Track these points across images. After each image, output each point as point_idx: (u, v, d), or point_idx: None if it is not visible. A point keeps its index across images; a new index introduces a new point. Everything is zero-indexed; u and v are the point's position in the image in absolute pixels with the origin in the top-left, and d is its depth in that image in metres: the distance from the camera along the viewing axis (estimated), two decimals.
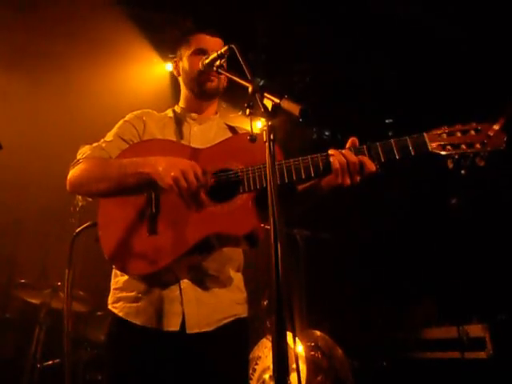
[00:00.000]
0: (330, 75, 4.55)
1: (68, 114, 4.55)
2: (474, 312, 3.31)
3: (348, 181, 1.57)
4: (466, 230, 3.41)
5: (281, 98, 1.40)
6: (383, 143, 1.56)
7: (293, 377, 2.45)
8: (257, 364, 3.29)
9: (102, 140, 1.90)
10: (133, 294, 1.74)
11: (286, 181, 1.62)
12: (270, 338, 3.07)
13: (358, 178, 1.58)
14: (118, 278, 1.82)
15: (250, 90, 1.43)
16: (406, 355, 3.62)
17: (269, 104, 1.40)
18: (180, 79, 2.08)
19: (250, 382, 3.21)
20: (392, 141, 1.55)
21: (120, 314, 1.74)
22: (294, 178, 1.62)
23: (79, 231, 2.07)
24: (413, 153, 1.53)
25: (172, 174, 1.58)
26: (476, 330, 3.17)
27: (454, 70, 3.98)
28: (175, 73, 2.10)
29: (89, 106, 4.54)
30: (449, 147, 1.50)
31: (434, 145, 1.52)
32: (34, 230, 4.38)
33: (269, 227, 1.22)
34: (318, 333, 3.33)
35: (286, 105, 1.39)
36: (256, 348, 3.37)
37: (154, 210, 1.68)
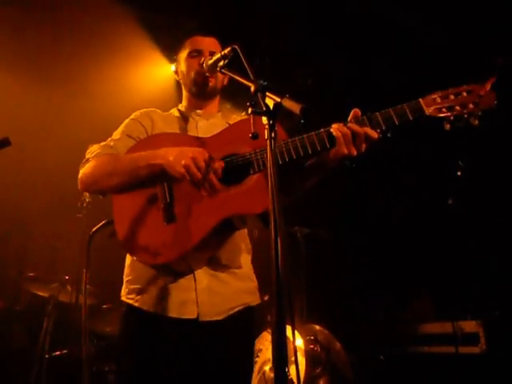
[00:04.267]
0: (331, 77, 4.60)
1: (76, 112, 4.65)
2: (469, 309, 3.39)
3: (354, 150, 1.62)
4: (462, 229, 3.49)
5: (282, 97, 1.42)
6: (382, 112, 1.63)
7: (292, 369, 2.54)
8: (258, 356, 3.36)
9: (110, 139, 1.94)
10: (147, 284, 1.76)
11: (294, 157, 1.67)
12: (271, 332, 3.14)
13: (363, 147, 1.63)
14: (130, 270, 1.84)
15: (252, 89, 1.46)
16: (402, 349, 3.70)
17: (271, 103, 1.42)
18: (181, 82, 2.15)
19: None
20: (390, 109, 1.63)
21: (136, 304, 1.77)
22: (302, 153, 1.66)
23: (95, 230, 2.09)
24: (411, 117, 1.60)
25: (183, 162, 1.63)
26: (470, 326, 3.25)
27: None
28: (176, 77, 2.17)
29: (96, 105, 4.64)
30: (444, 109, 1.57)
31: (430, 109, 1.59)
32: (43, 226, 4.47)
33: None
34: (317, 327, 3.41)
35: (288, 103, 1.43)
36: (257, 341, 3.43)
37: (168, 200, 1.71)
